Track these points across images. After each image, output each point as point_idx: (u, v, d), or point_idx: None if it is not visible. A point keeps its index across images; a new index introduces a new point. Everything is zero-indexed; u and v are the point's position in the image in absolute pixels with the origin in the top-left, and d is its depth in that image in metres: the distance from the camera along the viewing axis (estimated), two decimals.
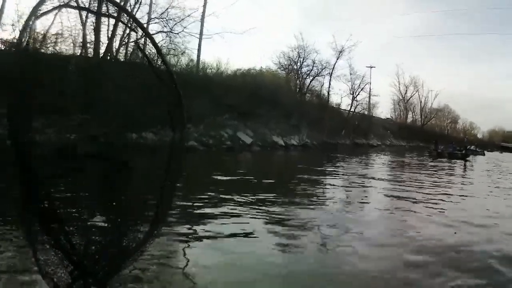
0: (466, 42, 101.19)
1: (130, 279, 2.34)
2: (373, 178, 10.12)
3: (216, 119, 20.59)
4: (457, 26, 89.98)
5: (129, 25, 2.38)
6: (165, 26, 21.32)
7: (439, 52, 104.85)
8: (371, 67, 47.76)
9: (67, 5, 1.69)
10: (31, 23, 1.57)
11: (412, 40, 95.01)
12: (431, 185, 9.05)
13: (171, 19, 21.35)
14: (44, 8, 1.68)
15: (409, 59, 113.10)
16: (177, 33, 21.54)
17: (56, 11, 1.63)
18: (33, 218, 1.63)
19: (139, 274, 2.50)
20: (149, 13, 21.30)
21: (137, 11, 19.88)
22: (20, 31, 1.57)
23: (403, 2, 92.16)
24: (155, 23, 21.21)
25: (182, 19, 21.88)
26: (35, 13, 1.59)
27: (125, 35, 17.50)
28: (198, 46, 26.23)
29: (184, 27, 22.14)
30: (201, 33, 26.08)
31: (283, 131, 26.39)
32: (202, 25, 26.36)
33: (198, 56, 26.35)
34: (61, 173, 1.84)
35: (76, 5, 1.91)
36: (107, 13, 2.13)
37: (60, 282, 1.63)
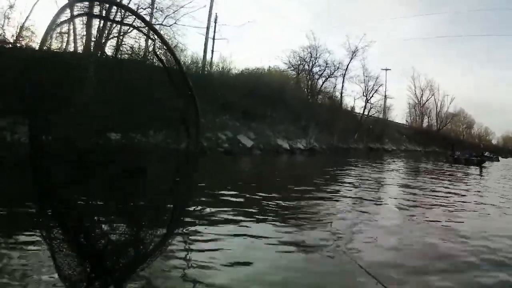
0: (466, 45, 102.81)
1: (146, 280, 2.55)
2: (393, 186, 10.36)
3: (215, 120, 20.68)
4: (459, 29, 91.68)
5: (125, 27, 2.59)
6: (156, 19, 21.74)
7: (440, 56, 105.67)
8: (386, 69, 48.15)
9: (88, 14, 1.89)
10: (52, 31, 1.78)
11: (421, 43, 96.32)
12: (456, 193, 9.31)
13: (160, 10, 21.83)
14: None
15: (421, 62, 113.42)
16: (169, 26, 22.00)
17: (76, 19, 1.83)
18: (51, 218, 1.81)
19: (155, 275, 2.72)
20: (151, 7, 21.67)
21: (128, 3, 20.16)
22: (41, 40, 1.77)
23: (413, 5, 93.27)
24: (144, 15, 21.46)
25: (175, 11, 22.38)
26: (55, 22, 1.79)
27: (112, 29, 17.87)
28: (205, 45, 27.55)
29: (177, 19, 22.66)
30: (207, 32, 27.06)
31: (290, 134, 26.53)
32: (208, 23, 27.26)
33: (204, 54, 27.55)
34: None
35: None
36: (130, 24, 2.28)
37: (78, 281, 1.82)
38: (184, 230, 4.12)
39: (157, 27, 20.85)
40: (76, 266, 1.85)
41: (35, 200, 1.80)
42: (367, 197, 7.81)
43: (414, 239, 4.67)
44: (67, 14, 1.83)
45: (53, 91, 1.84)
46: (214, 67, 28.16)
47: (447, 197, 8.53)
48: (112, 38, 18.21)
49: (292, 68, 38.19)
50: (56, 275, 1.97)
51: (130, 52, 2.38)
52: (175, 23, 22.53)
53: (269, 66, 35.86)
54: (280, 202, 6.41)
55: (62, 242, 1.84)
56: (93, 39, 15.01)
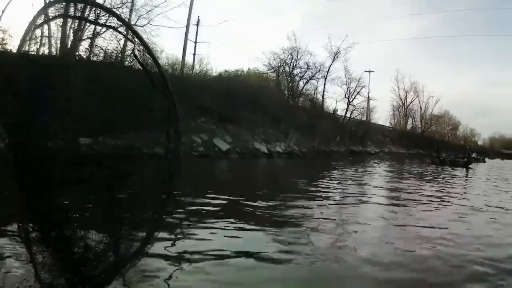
0: (452, 47, 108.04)
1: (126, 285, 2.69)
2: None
3: (190, 123, 20.69)
4: (445, 30, 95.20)
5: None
6: (128, 19, 21.86)
7: (425, 58, 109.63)
8: (369, 71, 50.47)
9: (65, 16, 2.29)
10: (31, 32, 2.18)
11: (410, 45, 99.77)
12: (442, 202, 9.15)
13: (135, 10, 22.21)
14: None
15: (406, 64, 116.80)
16: (142, 26, 22.29)
17: (55, 20, 2.22)
18: (32, 224, 1.92)
19: (134, 281, 2.82)
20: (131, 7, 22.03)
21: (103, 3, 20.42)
22: (21, 40, 2.19)
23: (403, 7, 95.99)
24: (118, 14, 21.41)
25: (148, 11, 22.86)
26: (35, 23, 2.17)
27: (84, 30, 18.08)
28: (184, 46, 28.59)
29: (150, 20, 23.15)
30: (186, 33, 27.91)
31: (269, 137, 26.89)
32: (188, 23, 27.97)
33: (183, 55, 28.63)
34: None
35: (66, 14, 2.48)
36: (113, 26, 2.40)
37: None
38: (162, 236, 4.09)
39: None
40: (56, 273, 1.94)
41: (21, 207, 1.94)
42: (342, 212, 7.14)
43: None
44: (42, 16, 2.17)
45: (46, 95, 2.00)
46: (193, 69, 28.76)
47: (430, 207, 8.19)
48: (86, 39, 18.43)
49: (272, 70, 38.83)
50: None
51: (104, 53, 2.41)
52: (148, 23, 22.94)
53: (249, 68, 36.64)
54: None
55: (43, 249, 1.94)
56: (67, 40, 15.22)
